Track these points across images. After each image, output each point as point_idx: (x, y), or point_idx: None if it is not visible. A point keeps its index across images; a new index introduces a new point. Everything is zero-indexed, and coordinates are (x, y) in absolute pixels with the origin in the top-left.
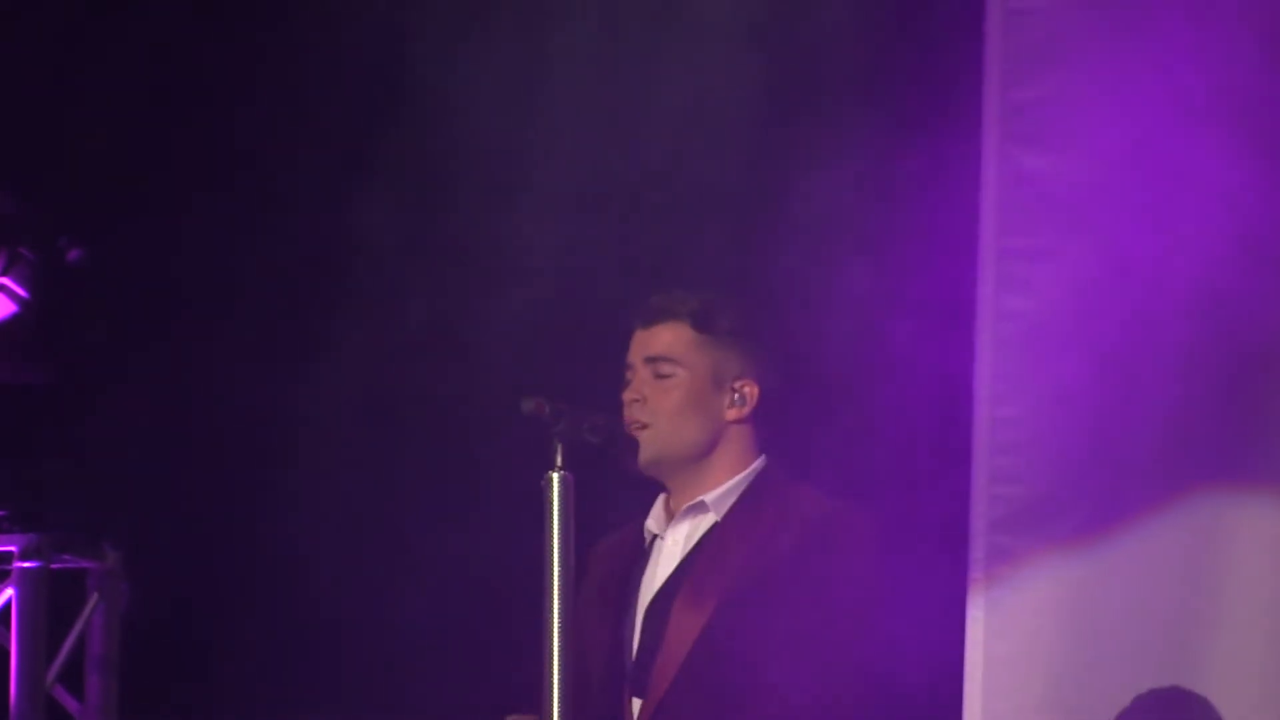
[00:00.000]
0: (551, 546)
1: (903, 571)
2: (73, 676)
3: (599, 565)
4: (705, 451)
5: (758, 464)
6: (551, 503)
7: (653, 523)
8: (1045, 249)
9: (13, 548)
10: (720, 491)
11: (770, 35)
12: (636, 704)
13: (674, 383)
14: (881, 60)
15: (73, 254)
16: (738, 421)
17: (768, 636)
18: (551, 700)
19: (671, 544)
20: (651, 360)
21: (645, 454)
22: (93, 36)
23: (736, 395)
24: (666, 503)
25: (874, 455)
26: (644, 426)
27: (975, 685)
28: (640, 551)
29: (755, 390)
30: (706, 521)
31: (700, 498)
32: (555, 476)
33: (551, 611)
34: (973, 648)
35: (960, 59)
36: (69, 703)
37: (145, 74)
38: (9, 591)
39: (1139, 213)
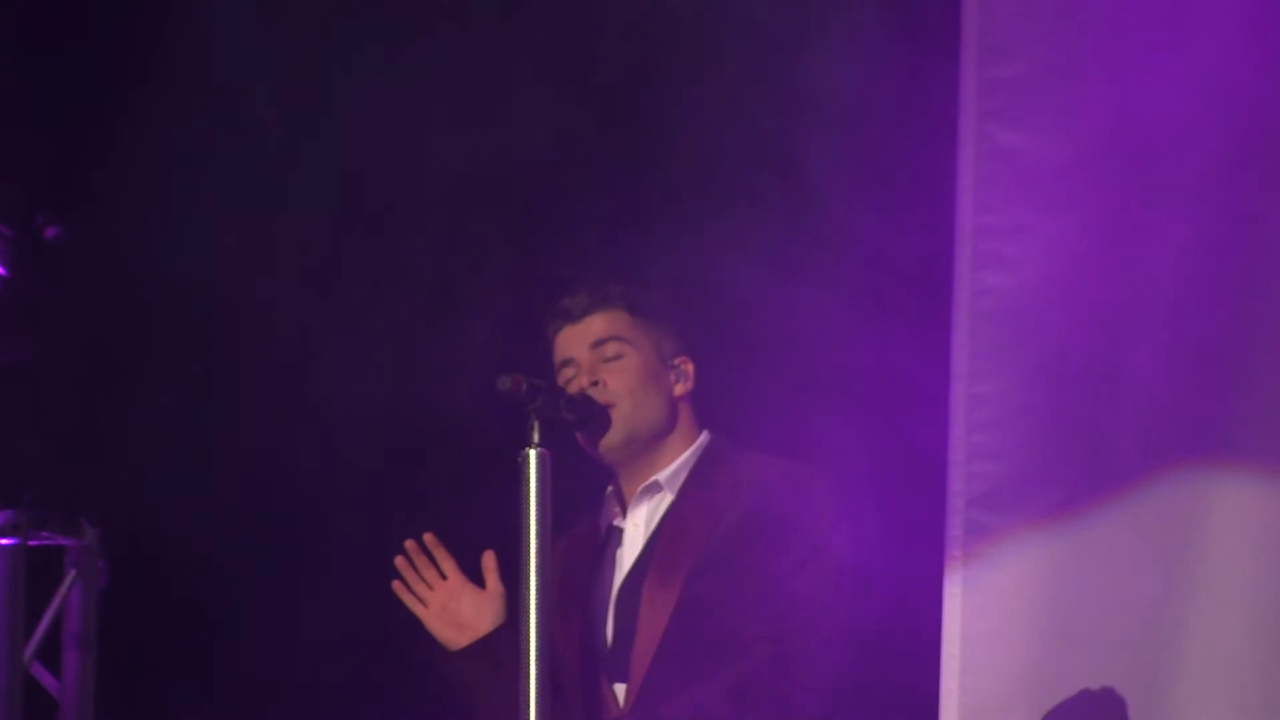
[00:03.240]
0: (528, 523)
1: (878, 544)
2: (50, 653)
3: (557, 564)
4: (666, 428)
5: (702, 439)
6: (528, 479)
7: (607, 514)
8: (1022, 226)
9: None
10: (672, 469)
11: (741, 11)
12: (620, 689)
13: (626, 362)
14: (858, 39)
15: (51, 231)
16: (683, 398)
17: (737, 595)
18: (529, 676)
19: (632, 530)
20: (599, 344)
21: (616, 433)
22: (67, 16)
23: (678, 371)
24: (617, 491)
25: (852, 433)
26: (610, 407)
27: (952, 661)
28: (597, 544)
29: (691, 366)
30: (664, 501)
31: (654, 478)
32: (532, 453)
33: (529, 588)
34: (950, 624)
35: (937, 37)
36: (47, 680)
37: (126, 52)
38: None
39: (1116, 189)
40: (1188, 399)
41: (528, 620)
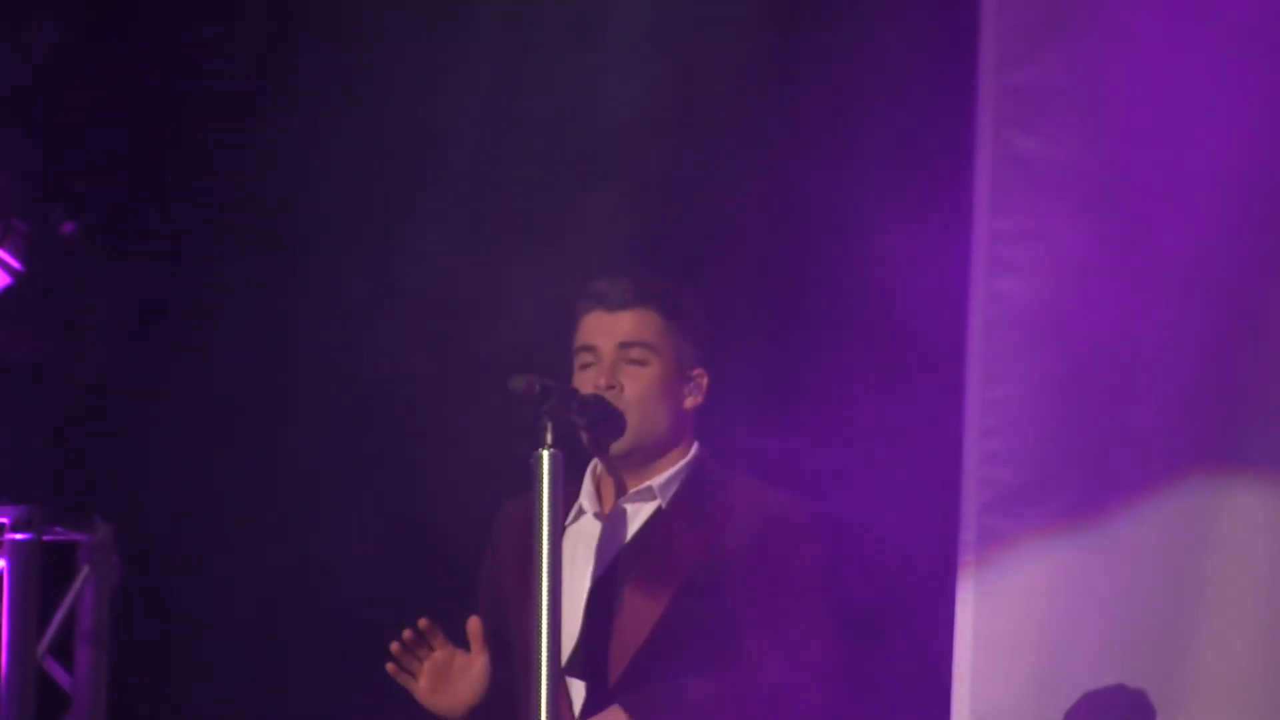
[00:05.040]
0: (540, 524)
1: (884, 550)
2: (63, 648)
3: (514, 535)
4: (672, 441)
5: (694, 451)
6: (541, 480)
7: (585, 500)
8: (1037, 231)
9: (4, 519)
10: (665, 478)
11: (755, 16)
12: (577, 685)
13: (649, 370)
14: (877, 44)
15: (66, 226)
16: (691, 410)
17: (727, 623)
18: (540, 677)
19: (611, 527)
20: (626, 346)
21: (624, 442)
22: (87, 10)
23: (693, 384)
24: (601, 480)
25: (865, 438)
26: (621, 413)
27: (964, 667)
28: (564, 523)
29: (706, 380)
30: (650, 508)
31: (648, 483)
32: (545, 454)
33: (540, 589)
34: (962, 629)
35: (956, 42)
36: (59, 674)
37: (143, 50)
38: (0, 563)
39: (1131, 195)
40: (1199, 406)
41: (540, 620)
